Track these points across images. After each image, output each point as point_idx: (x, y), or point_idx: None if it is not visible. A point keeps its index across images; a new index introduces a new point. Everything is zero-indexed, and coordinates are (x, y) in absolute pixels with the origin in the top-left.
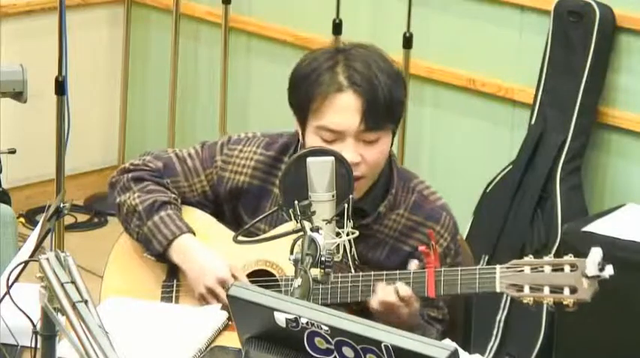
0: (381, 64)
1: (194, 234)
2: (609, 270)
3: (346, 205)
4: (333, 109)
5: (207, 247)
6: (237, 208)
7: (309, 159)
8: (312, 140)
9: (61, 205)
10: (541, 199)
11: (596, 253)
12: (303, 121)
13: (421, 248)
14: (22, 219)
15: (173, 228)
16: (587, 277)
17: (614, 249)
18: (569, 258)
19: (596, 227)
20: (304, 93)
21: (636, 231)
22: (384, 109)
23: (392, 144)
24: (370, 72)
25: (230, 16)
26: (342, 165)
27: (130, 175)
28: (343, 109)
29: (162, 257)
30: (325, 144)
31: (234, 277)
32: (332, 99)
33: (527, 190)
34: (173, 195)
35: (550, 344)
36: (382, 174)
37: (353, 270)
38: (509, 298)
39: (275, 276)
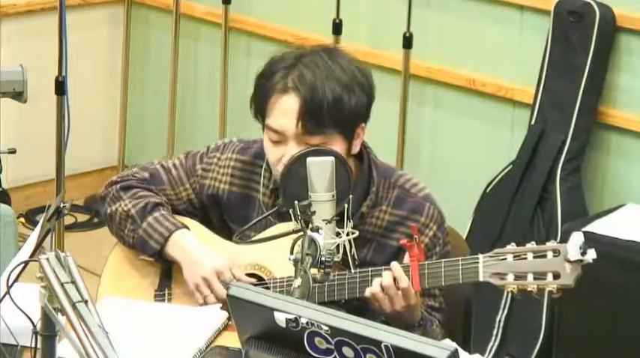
0: (336, 72)
1: (189, 230)
2: (592, 254)
3: (346, 205)
4: (276, 110)
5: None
6: (224, 218)
7: (309, 159)
8: (264, 140)
9: (61, 205)
10: (541, 199)
11: (577, 237)
12: (262, 121)
13: (402, 241)
14: (22, 219)
15: (168, 225)
16: (569, 262)
17: (614, 249)
18: (551, 243)
19: (596, 227)
20: (259, 92)
21: (636, 231)
22: (326, 113)
23: (350, 151)
24: (318, 77)
25: (230, 16)
26: (342, 165)
27: (118, 186)
28: (284, 111)
29: (159, 256)
30: (271, 145)
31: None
32: (276, 99)
33: (527, 190)
34: (164, 198)
35: (550, 344)
36: (362, 173)
37: (352, 270)
38: (509, 298)
39: (264, 279)
